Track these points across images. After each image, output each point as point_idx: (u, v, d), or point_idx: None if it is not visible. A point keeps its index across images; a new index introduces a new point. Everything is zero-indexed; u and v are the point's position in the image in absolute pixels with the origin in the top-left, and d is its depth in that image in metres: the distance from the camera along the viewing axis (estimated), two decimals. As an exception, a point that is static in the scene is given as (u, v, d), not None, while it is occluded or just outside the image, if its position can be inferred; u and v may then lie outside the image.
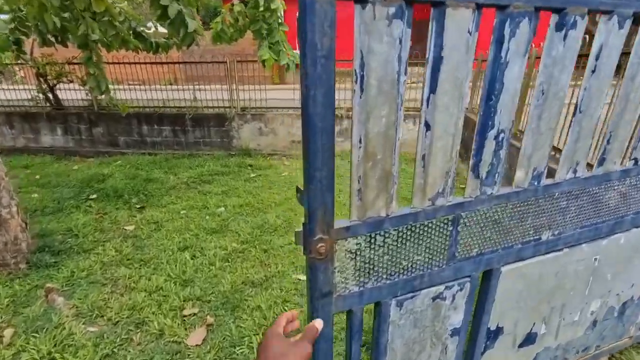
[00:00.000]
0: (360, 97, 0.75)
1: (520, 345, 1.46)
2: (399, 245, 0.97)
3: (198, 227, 3.53)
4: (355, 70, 0.73)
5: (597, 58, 0.98)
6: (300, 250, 3.15)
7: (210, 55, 6.38)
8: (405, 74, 0.78)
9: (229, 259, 3.00)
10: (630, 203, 1.38)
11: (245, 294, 2.58)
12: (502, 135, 0.96)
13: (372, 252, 0.94)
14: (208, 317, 2.35)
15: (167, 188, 4.55)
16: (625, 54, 1.00)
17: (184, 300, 2.51)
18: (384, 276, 0.99)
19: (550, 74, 0.94)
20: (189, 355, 2.08)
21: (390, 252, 0.96)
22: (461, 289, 1.15)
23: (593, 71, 1.00)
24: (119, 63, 5.74)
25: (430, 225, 0.98)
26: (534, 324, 1.43)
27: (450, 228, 1.02)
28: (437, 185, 0.94)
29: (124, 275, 2.78)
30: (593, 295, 1.54)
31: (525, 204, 1.12)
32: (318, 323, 0.74)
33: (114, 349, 2.12)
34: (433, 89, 0.82)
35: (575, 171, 1.15)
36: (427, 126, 0.86)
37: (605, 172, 1.23)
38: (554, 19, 0.89)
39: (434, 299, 1.11)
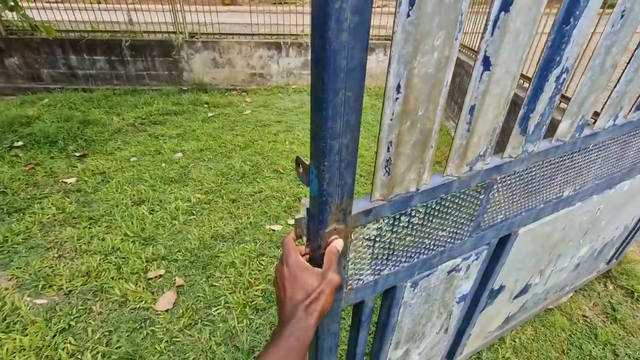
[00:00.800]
0: (409, 16, 0.45)
1: (515, 297, 1.43)
2: (424, 223, 0.76)
3: (153, 176, 3.13)
4: (405, -36, 0.42)
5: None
6: (272, 197, 2.94)
7: (144, -36, 5.20)
8: (475, -24, 0.48)
9: (194, 212, 2.72)
10: (646, 149, 1.26)
11: (216, 249, 2.37)
12: (564, 75, 0.72)
13: (394, 235, 0.72)
14: (177, 278, 2.15)
15: (111, 131, 3.94)
16: None
17: (147, 262, 2.26)
18: (403, 259, 0.79)
19: (640, -12, 0.68)
20: (159, 321, 1.90)
21: (414, 233, 0.76)
22: (477, 258, 1.00)
23: (680, -14, 0.75)
24: (22, -30, 4.48)
25: (461, 195, 0.78)
26: (531, 276, 1.38)
27: (482, 196, 0.82)
28: (480, 147, 0.71)
29: (71, 237, 2.42)
30: (585, 242, 1.51)
31: (561, 159, 0.94)
32: (339, 244, 0.61)
33: (71, 322, 1.88)
34: (507, 5, 0.53)
35: (616, 118, 0.97)
36: (487, 64, 0.58)
37: (640, 117, 1.06)
38: None
39: (449, 272, 0.96)
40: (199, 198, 2.87)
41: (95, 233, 2.47)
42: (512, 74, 0.62)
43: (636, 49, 0.84)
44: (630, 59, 0.86)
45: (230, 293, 2.06)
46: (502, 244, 1.06)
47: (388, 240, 0.72)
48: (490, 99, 0.63)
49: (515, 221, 1.00)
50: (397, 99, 0.52)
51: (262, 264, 2.27)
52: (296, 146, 3.78)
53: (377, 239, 0.70)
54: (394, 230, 0.71)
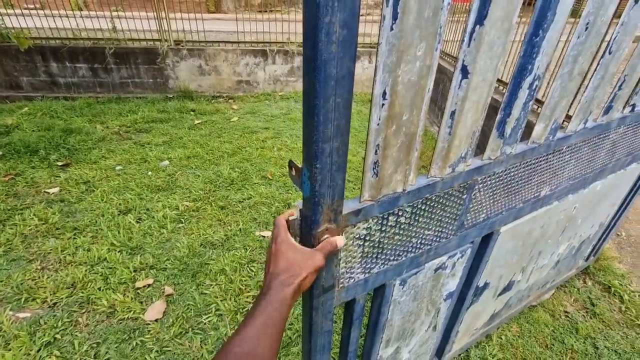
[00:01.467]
0: (392, 29, 0.49)
1: (499, 294, 1.48)
2: (411, 223, 0.80)
3: (140, 185, 3.09)
4: (389, -18, 0.46)
5: (645, -17, 0.80)
6: (262, 204, 2.94)
7: (128, -28, 5.18)
8: (452, -7, 0.52)
9: (182, 220, 2.70)
10: (616, 151, 1.35)
11: (206, 257, 2.36)
12: (536, 83, 0.77)
13: (383, 234, 0.76)
14: (166, 287, 2.12)
15: (95, 140, 3.88)
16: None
17: (134, 271, 2.23)
18: (392, 258, 0.83)
19: (602, 2, 0.74)
20: (149, 331, 1.87)
21: (401, 232, 0.79)
22: (462, 256, 1.05)
23: (637, 0, 0.82)
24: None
25: (445, 195, 0.82)
26: (514, 274, 1.44)
27: (465, 196, 0.87)
28: (462, 149, 0.75)
29: (55, 248, 2.37)
30: (563, 239, 1.58)
31: (536, 160, 1.00)
32: (340, 241, 0.64)
33: (56, 335, 1.83)
34: (481, 19, 0.58)
35: (586, 121, 1.04)
36: (465, 72, 0.63)
37: (608, 120, 1.14)
38: None
39: (436, 270, 1.00)
40: (187, 206, 2.85)
41: (80, 243, 2.42)
42: (488, 81, 0.67)
43: (602, 57, 0.91)
44: (597, 66, 0.93)
45: (221, 300, 2.05)
46: (485, 242, 1.11)
47: (377, 239, 0.76)
48: (469, 104, 0.68)
49: (497, 220, 1.05)
50: (383, 105, 0.56)
51: (252, 271, 2.27)
52: (284, 152, 3.80)
53: (367, 238, 0.73)
54: (383, 229, 0.75)
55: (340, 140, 0.54)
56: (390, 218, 0.74)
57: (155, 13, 4.88)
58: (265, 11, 5.54)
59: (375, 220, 0.72)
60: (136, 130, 4.20)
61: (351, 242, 0.71)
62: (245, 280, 2.18)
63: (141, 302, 2.03)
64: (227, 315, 1.96)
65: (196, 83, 5.44)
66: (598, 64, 0.92)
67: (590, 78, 0.94)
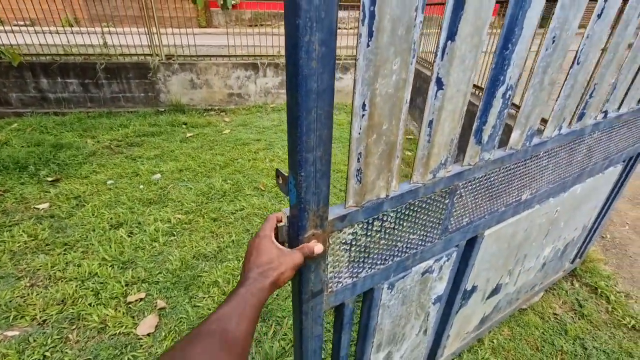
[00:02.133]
0: (368, 46, 0.54)
1: (488, 297, 1.51)
2: (395, 227, 0.83)
3: (131, 198, 3.08)
4: (363, 3, 0.50)
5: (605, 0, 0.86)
6: (254, 215, 2.96)
7: (119, -12, 5.24)
8: (423, 12, 0.57)
9: (174, 233, 2.70)
10: (592, 155, 1.41)
11: (198, 269, 2.36)
12: (509, 92, 0.82)
13: (369, 239, 0.79)
14: (158, 300, 2.11)
15: (86, 155, 3.86)
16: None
17: (126, 285, 2.21)
18: (378, 262, 0.86)
19: (565, 18, 0.80)
20: (141, 345, 1.86)
21: (387, 236, 0.82)
22: (448, 259, 1.08)
23: (599, 15, 0.88)
24: (-9, -5, 4.43)
25: (428, 200, 0.85)
26: (501, 276, 1.47)
27: (447, 201, 0.91)
28: (441, 156, 0.79)
29: (45, 264, 2.34)
30: (547, 242, 1.63)
31: (515, 165, 1.05)
32: (317, 248, 0.66)
33: (46, 353, 1.80)
34: (452, 35, 0.63)
35: (560, 128, 1.09)
36: (440, 84, 0.68)
37: (582, 127, 1.20)
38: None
39: (423, 273, 1.03)
40: (179, 218, 2.85)
41: (70, 259, 2.40)
42: (462, 92, 0.72)
43: (570, 68, 0.97)
44: (567, 76, 0.99)
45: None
46: (470, 246, 1.15)
47: (363, 244, 0.79)
48: (446, 114, 0.72)
49: (480, 224, 1.09)
50: (363, 115, 0.60)
51: (245, 281, 2.27)
52: (276, 163, 3.83)
53: (353, 243, 0.76)
54: (368, 234, 0.78)
55: (323, 150, 0.57)
56: (375, 223, 0.77)
57: (146, 28, 4.94)
58: (256, 25, 5.64)
59: (360, 226, 0.75)
60: (127, 144, 4.20)
61: (338, 247, 0.74)
62: (238, 292, 2.18)
63: (133, 317, 2.01)
64: (221, 327, 1.95)
65: (188, 97, 5.47)
66: (567, 73, 0.98)
67: (562, 87, 1.00)
